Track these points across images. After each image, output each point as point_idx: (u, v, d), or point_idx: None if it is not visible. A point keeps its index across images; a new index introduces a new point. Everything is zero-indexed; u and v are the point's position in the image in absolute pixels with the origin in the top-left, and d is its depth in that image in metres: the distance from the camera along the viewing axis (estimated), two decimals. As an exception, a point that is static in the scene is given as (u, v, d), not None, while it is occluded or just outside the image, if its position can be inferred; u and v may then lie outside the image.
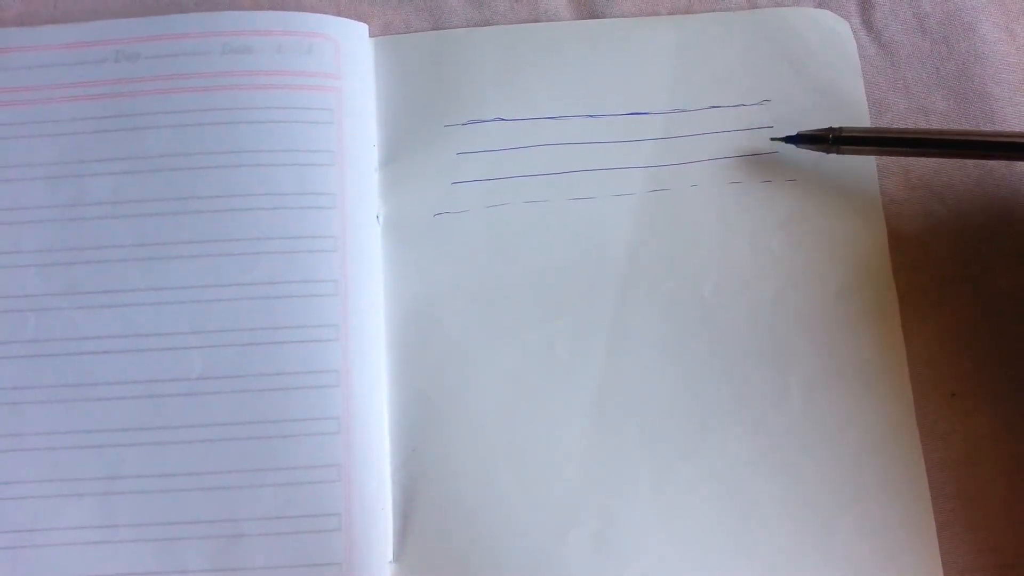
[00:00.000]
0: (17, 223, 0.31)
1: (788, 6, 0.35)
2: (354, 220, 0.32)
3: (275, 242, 0.31)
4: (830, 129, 0.32)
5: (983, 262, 0.32)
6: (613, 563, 0.29)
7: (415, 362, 0.31)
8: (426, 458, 0.30)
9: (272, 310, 0.30)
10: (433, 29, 0.35)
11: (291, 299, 0.31)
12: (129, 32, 0.33)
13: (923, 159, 0.33)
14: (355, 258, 0.31)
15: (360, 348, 0.31)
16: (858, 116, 0.34)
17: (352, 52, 0.34)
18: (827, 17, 0.35)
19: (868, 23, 0.35)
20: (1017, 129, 0.34)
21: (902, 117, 0.34)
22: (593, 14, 0.35)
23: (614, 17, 0.35)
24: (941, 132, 0.33)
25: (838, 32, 0.35)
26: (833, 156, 0.32)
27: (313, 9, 0.34)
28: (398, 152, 0.33)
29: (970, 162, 0.33)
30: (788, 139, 0.32)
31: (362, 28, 0.34)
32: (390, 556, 0.30)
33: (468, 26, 0.35)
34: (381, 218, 0.33)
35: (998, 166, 0.33)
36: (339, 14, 0.34)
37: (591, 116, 0.34)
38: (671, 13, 0.35)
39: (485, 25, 0.35)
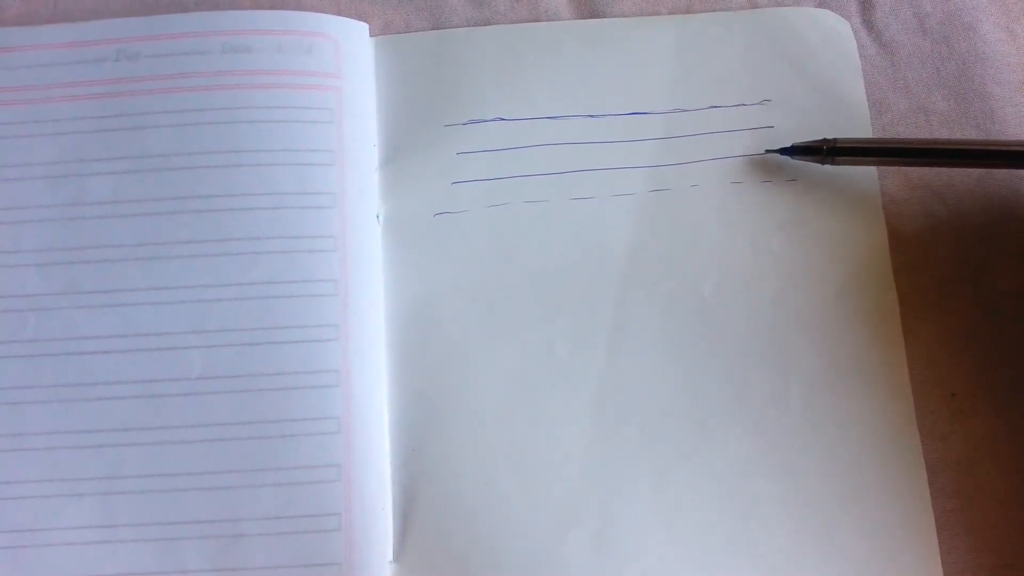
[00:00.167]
0: (17, 223, 0.31)
1: (788, 6, 0.35)
2: (354, 220, 0.32)
3: (275, 242, 0.31)
4: (824, 140, 0.32)
5: (983, 262, 0.32)
6: (613, 563, 0.29)
7: (415, 362, 0.31)
8: (426, 458, 0.30)
9: (272, 310, 0.30)
10: (433, 29, 0.35)
11: (291, 299, 0.31)
12: (129, 31, 0.33)
13: (923, 160, 0.33)
14: (355, 258, 0.31)
15: (360, 348, 0.30)
16: (858, 116, 0.34)
17: (352, 52, 0.33)
18: (827, 17, 0.35)
19: (868, 23, 0.35)
20: (1017, 130, 0.34)
21: (902, 117, 0.34)
22: (593, 14, 0.35)
23: (614, 17, 0.35)
24: (936, 142, 0.33)
25: (838, 32, 0.35)
26: (833, 157, 0.32)
27: (313, 8, 0.34)
28: (398, 152, 0.33)
29: (970, 163, 0.33)
30: (783, 151, 0.33)
31: (362, 27, 0.34)
32: (390, 556, 0.30)
33: (468, 26, 0.35)
34: (381, 218, 0.33)
35: (998, 166, 0.33)
36: (339, 13, 0.34)
37: (591, 116, 0.34)
38: (671, 13, 0.35)
39: (485, 25, 0.35)
